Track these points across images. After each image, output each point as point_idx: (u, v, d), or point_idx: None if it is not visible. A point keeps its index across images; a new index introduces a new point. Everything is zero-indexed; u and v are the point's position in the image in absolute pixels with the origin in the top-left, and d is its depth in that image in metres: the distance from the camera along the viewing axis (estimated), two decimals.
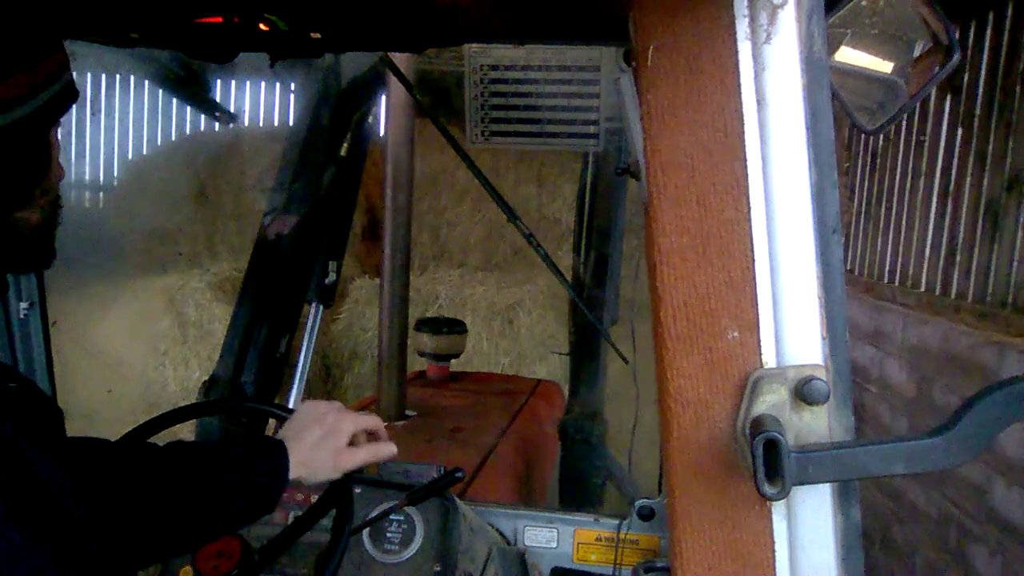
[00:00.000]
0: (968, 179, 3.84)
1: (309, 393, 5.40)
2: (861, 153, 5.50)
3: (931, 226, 4.21)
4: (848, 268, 5.57)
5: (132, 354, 5.38)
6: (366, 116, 2.76)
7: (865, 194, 5.38)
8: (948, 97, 4.12)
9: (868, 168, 5.35)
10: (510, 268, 6.04)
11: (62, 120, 0.99)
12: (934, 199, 4.21)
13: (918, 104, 4.25)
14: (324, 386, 5.59)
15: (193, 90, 3.22)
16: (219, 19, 1.16)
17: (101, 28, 1.33)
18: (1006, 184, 3.52)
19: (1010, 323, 3.33)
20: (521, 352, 5.42)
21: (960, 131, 3.95)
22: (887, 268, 4.84)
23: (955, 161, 3.99)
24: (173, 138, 7.35)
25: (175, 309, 5.70)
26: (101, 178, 7.47)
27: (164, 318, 5.66)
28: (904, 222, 4.62)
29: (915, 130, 4.55)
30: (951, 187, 4.02)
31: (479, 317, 5.54)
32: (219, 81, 6.61)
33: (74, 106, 1.00)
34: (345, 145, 2.69)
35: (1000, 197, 3.56)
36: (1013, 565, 2.98)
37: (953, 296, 3.89)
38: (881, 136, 5.01)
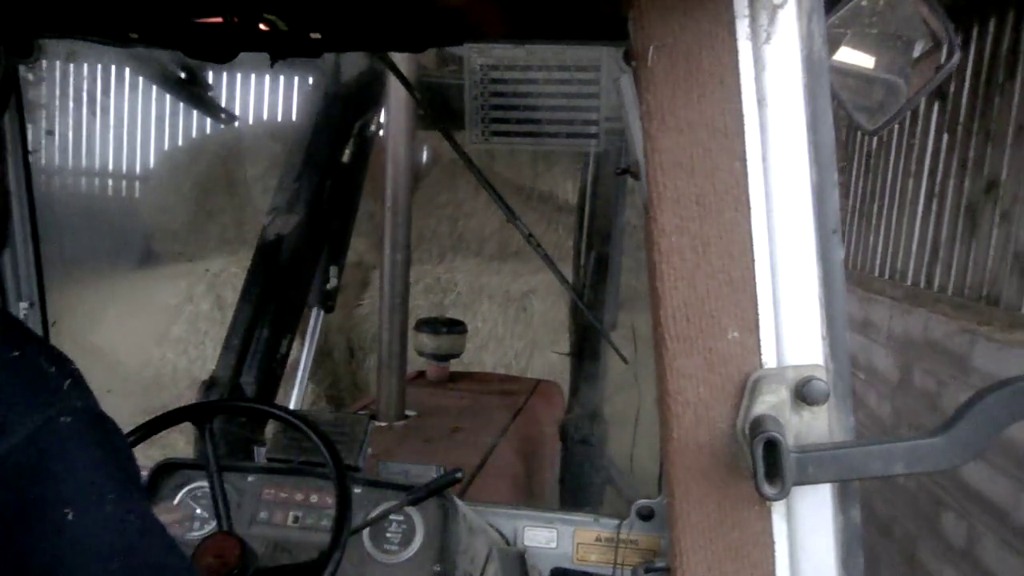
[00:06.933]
0: (951, 182, 4.15)
1: (334, 375, 5.60)
2: (857, 154, 5.69)
3: (918, 224, 4.52)
4: None
5: (132, 354, 5.39)
6: (368, 123, 2.77)
7: (860, 193, 5.59)
8: (936, 104, 4.36)
9: (863, 168, 5.56)
10: (524, 258, 6.21)
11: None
12: (921, 200, 4.52)
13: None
14: (348, 366, 5.85)
15: (193, 90, 3.22)
16: (219, 19, 1.16)
17: (101, 28, 1.33)
18: (984, 187, 3.82)
19: (982, 313, 3.63)
20: (534, 337, 5.74)
21: (946, 137, 4.24)
22: (878, 263, 5.08)
23: (940, 165, 4.30)
24: (171, 138, 7.37)
25: (176, 307, 5.74)
26: (100, 178, 7.47)
27: (164, 316, 5.71)
28: (894, 220, 4.89)
29: (906, 133, 4.80)
30: (936, 189, 4.33)
31: (495, 304, 5.90)
32: (218, 78, 6.67)
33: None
34: (347, 151, 2.69)
35: (979, 199, 3.85)
36: (977, 528, 3.29)
37: (935, 289, 4.22)
38: (876, 138, 5.24)
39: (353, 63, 2.67)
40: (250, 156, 6.41)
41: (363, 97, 2.71)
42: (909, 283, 4.58)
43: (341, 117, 2.65)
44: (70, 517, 0.65)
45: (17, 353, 0.69)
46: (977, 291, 3.80)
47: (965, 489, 3.39)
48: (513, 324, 5.86)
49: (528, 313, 5.87)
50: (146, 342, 5.50)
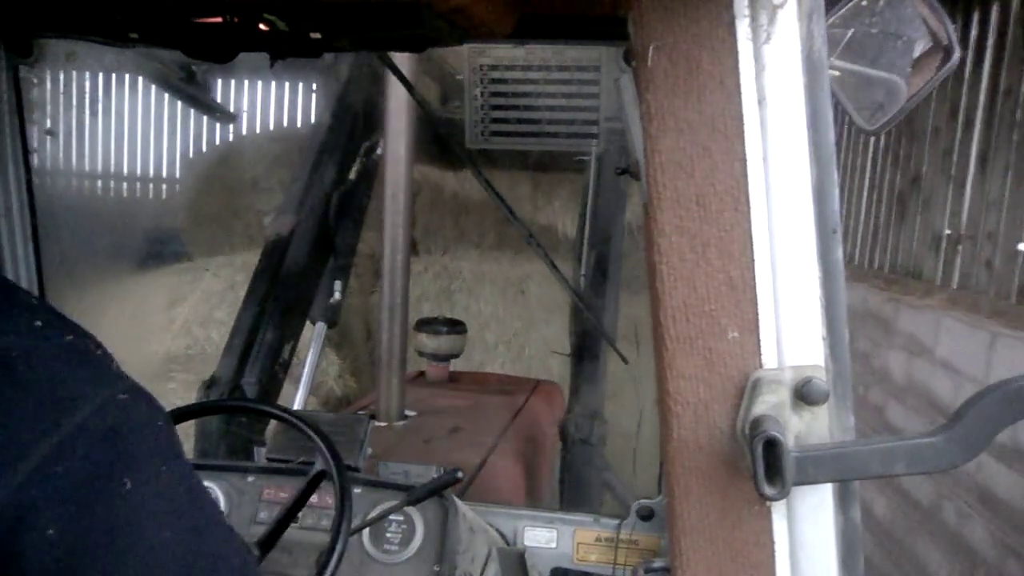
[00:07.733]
0: (887, 176, 5.01)
1: (354, 353, 6.04)
2: None
3: (862, 213, 5.45)
4: None
5: (132, 354, 5.43)
6: (375, 146, 2.79)
7: None
8: None
9: None
10: (522, 248, 6.65)
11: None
12: (864, 191, 5.42)
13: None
14: (366, 345, 6.32)
15: (192, 90, 3.22)
16: (219, 19, 1.16)
17: (101, 28, 1.33)
18: (911, 180, 4.64)
19: (907, 286, 4.50)
20: (531, 317, 6.35)
21: (883, 136, 4.95)
22: None
23: (879, 159, 5.22)
24: (171, 138, 7.41)
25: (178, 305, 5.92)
26: (100, 178, 7.48)
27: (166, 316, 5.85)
28: (844, 207, 5.72)
29: (853, 133, 5.53)
30: (876, 181, 5.21)
31: (496, 287, 6.53)
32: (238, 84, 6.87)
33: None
34: (354, 169, 2.72)
35: (907, 190, 4.70)
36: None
37: (875, 267, 5.15)
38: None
39: (360, 88, 2.71)
40: (264, 157, 6.61)
41: (369, 119, 2.73)
42: (856, 263, 5.42)
43: (348, 136, 2.68)
44: (128, 487, 0.70)
45: (71, 337, 0.73)
46: (906, 267, 4.62)
47: (890, 428, 4.30)
48: (512, 305, 6.49)
49: (526, 296, 6.51)
50: (192, 327, 5.88)
